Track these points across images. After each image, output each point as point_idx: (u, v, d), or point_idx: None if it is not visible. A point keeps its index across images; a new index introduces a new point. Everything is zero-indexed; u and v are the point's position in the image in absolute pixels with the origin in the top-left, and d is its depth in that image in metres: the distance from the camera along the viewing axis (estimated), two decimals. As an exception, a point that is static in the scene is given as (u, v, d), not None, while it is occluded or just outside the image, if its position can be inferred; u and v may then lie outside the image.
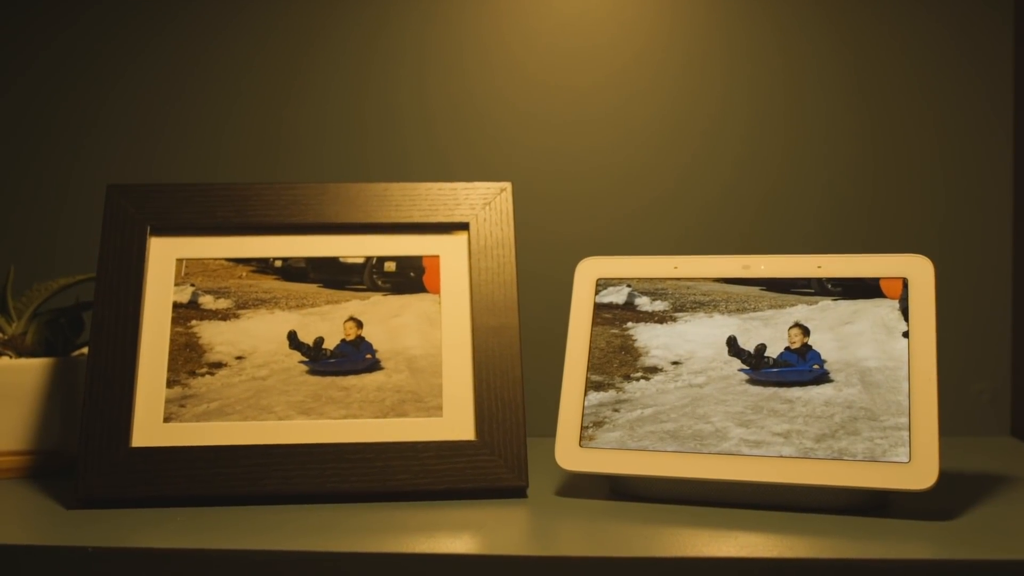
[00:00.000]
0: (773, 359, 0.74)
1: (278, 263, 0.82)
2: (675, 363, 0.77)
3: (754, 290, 0.77)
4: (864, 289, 0.74)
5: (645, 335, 0.78)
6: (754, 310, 0.76)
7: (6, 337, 0.89)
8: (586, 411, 0.76)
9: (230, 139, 1.13)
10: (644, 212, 1.12)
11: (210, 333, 0.80)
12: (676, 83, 1.12)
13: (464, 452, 0.76)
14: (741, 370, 0.75)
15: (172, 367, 0.79)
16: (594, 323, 0.79)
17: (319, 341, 0.80)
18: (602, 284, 0.80)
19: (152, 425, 0.77)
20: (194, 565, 0.62)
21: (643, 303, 0.79)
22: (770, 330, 0.75)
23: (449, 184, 0.83)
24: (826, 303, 0.75)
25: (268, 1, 1.14)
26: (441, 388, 0.79)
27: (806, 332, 0.74)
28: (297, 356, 0.80)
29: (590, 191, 1.12)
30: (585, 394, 0.77)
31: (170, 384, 0.78)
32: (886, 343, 0.72)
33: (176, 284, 0.81)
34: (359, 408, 0.78)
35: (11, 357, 0.87)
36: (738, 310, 0.76)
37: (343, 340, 0.80)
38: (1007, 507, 0.73)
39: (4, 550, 0.63)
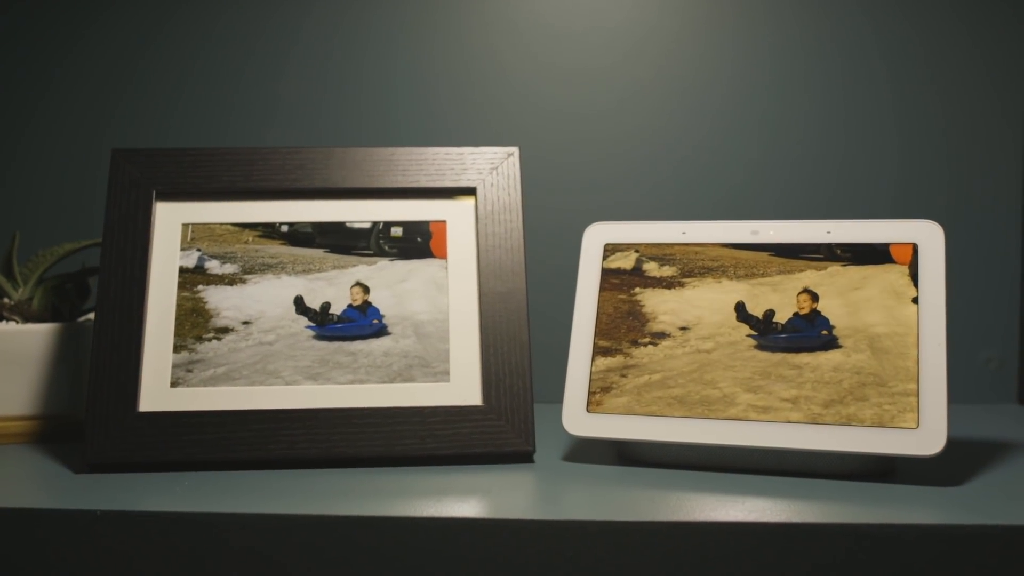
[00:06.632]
0: (781, 325, 0.74)
1: (284, 228, 0.82)
2: (683, 328, 0.76)
3: (763, 255, 0.76)
4: (874, 254, 0.74)
5: (653, 300, 0.78)
6: (763, 275, 0.76)
7: (12, 303, 0.89)
8: (593, 376, 0.76)
9: (237, 105, 1.13)
10: (653, 177, 1.11)
11: (217, 298, 0.80)
12: (692, 38, 1.11)
13: (471, 417, 0.76)
14: (749, 336, 0.75)
15: (179, 332, 0.79)
16: (602, 288, 0.79)
17: (326, 306, 0.80)
18: (610, 249, 0.80)
19: (159, 390, 0.77)
20: (201, 529, 0.62)
21: (651, 268, 0.79)
22: (779, 295, 0.75)
23: (456, 149, 0.83)
24: (835, 268, 0.74)
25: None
26: (448, 353, 0.79)
27: (815, 297, 0.74)
28: (304, 321, 0.80)
29: (597, 156, 1.11)
30: (592, 359, 0.77)
31: (177, 349, 0.78)
32: (895, 309, 0.72)
33: (182, 249, 0.81)
34: (366, 373, 0.78)
35: (17, 323, 0.87)
36: (746, 275, 0.76)
37: (350, 305, 0.80)
38: (1013, 473, 0.73)
39: (14, 513, 0.63)
